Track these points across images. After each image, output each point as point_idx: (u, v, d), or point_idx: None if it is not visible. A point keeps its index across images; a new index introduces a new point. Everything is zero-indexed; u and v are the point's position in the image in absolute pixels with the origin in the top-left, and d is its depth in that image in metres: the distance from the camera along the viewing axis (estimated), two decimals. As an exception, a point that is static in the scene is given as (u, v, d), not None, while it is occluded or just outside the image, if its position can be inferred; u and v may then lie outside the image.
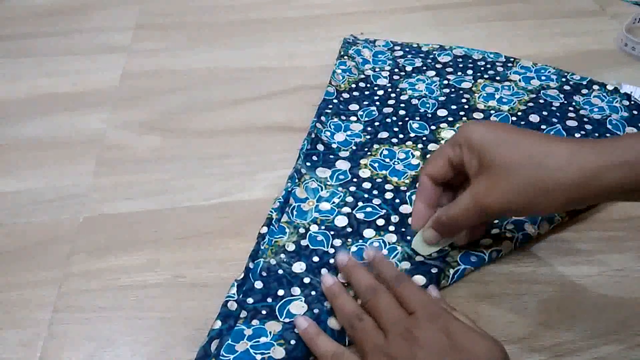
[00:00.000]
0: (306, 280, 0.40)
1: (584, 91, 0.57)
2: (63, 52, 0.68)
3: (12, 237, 0.45)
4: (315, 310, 0.37)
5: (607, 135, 0.52)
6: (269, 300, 0.39)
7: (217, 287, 0.40)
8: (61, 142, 0.54)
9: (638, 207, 0.46)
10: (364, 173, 0.49)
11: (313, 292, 0.39)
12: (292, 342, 0.35)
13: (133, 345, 0.37)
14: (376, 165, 0.49)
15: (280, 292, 0.39)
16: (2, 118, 0.57)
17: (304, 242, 0.43)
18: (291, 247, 0.42)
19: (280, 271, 0.40)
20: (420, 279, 0.39)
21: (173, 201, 0.48)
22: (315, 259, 0.41)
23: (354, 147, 0.51)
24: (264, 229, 0.43)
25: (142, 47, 0.68)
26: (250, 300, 0.38)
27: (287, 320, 0.37)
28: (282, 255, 0.42)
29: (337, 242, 0.43)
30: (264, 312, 0.38)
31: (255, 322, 0.37)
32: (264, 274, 0.40)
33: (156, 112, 0.58)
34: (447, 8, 0.74)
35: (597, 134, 0.52)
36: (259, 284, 0.39)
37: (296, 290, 0.39)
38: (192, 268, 0.42)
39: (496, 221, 0.44)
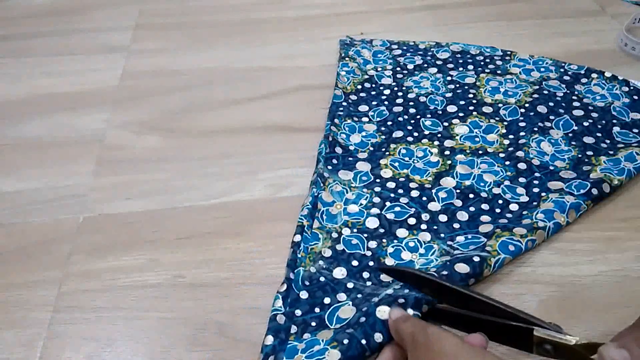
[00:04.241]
0: (350, 285, 0.40)
1: (584, 80, 0.58)
2: (63, 52, 0.68)
3: (12, 237, 0.45)
4: (364, 309, 0.37)
5: (614, 121, 0.53)
6: (317, 310, 0.38)
7: (217, 287, 0.41)
8: (61, 142, 0.54)
9: (638, 207, 0.46)
10: (386, 173, 0.49)
11: (359, 295, 0.39)
12: (345, 341, 0.35)
13: (133, 345, 0.37)
14: (396, 164, 0.49)
15: (327, 300, 0.39)
16: (2, 118, 0.57)
17: (339, 247, 0.42)
18: (328, 253, 0.42)
19: (322, 279, 0.40)
20: (464, 267, 0.39)
21: (173, 201, 0.48)
22: (355, 263, 0.41)
23: (372, 148, 0.51)
24: (297, 237, 0.43)
25: (142, 47, 0.68)
26: (298, 312, 0.38)
27: (337, 326, 0.37)
28: (321, 262, 0.41)
29: (372, 243, 0.43)
30: (313, 323, 0.37)
31: (306, 335, 0.37)
32: (307, 283, 0.40)
33: (156, 112, 0.58)
34: (447, 8, 0.74)
35: (603, 121, 0.53)
36: (304, 294, 0.39)
37: (342, 296, 0.39)
38: (192, 268, 0.42)
39: (525, 212, 0.44)
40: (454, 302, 0.35)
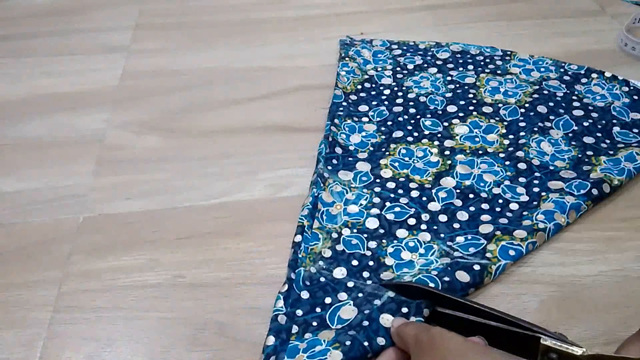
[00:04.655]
0: (350, 284, 0.40)
1: (584, 80, 0.58)
2: (63, 52, 0.68)
3: (12, 237, 0.45)
4: (366, 311, 0.37)
5: (614, 121, 0.53)
6: (318, 310, 0.38)
7: (217, 287, 0.41)
8: (61, 142, 0.54)
9: (638, 207, 0.46)
10: (386, 173, 0.49)
11: (360, 294, 0.39)
12: (347, 342, 0.35)
13: (133, 345, 0.37)
14: (396, 164, 0.49)
15: (328, 300, 0.39)
16: (2, 118, 0.57)
17: (339, 247, 0.42)
18: (328, 253, 0.42)
19: (322, 279, 0.40)
20: (464, 276, 0.39)
21: (173, 201, 0.48)
22: (355, 262, 0.41)
23: (372, 148, 0.51)
24: (298, 238, 0.43)
25: (142, 47, 0.68)
26: (299, 312, 0.38)
27: (339, 326, 0.37)
28: (321, 263, 0.41)
29: (372, 244, 0.43)
30: (314, 323, 0.37)
31: (308, 335, 0.37)
32: (308, 283, 0.40)
33: (156, 112, 0.58)
34: (447, 8, 0.74)
35: (603, 121, 0.53)
36: (305, 294, 0.39)
37: (343, 296, 0.39)
38: (192, 268, 0.42)
39: (525, 212, 0.44)
40: (455, 309, 0.35)
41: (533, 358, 0.32)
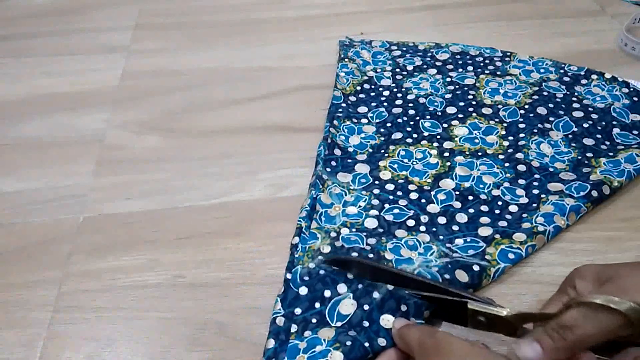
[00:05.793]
0: (349, 275, 0.39)
1: (584, 81, 0.58)
2: (63, 52, 0.68)
3: (12, 237, 0.45)
4: (366, 307, 0.37)
5: (614, 123, 0.53)
6: (317, 305, 0.38)
7: (217, 287, 0.41)
8: (61, 142, 0.54)
9: (638, 207, 0.46)
10: (385, 175, 0.49)
11: (360, 286, 0.39)
12: (348, 343, 0.35)
13: (133, 345, 0.37)
14: (395, 166, 0.49)
15: (327, 293, 0.39)
16: (2, 118, 0.57)
17: (338, 243, 0.42)
18: (327, 249, 0.42)
19: (322, 272, 0.40)
20: (463, 275, 0.39)
21: (173, 201, 0.48)
22: (354, 254, 0.41)
23: (371, 150, 0.51)
24: (295, 239, 0.42)
25: (142, 47, 0.68)
26: (297, 310, 0.38)
27: (339, 324, 0.37)
28: (320, 258, 0.41)
29: (372, 240, 0.42)
30: (314, 320, 0.37)
31: (307, 333, 0.36)
32: (306, 278, 0.40)
33: (156, 112, 0.58)
34: (447, 8, 0.74)
35: (603, 122, 0.53)
36: (303, 290, 0.39)
37: (342, 287, 0.39)
38: (192, 268, 0.42)
39: (524, 215, 0.44)
40: (392, 282, 0.37)
41: (465, 323, 0.34)
